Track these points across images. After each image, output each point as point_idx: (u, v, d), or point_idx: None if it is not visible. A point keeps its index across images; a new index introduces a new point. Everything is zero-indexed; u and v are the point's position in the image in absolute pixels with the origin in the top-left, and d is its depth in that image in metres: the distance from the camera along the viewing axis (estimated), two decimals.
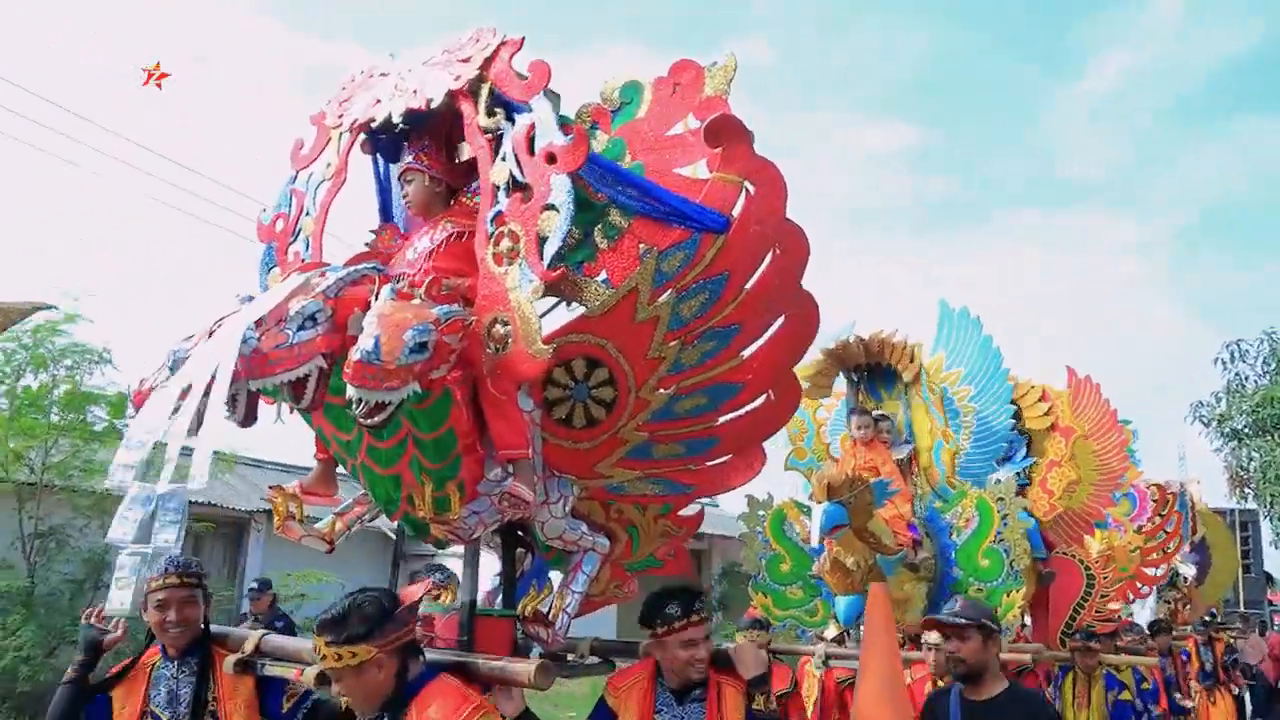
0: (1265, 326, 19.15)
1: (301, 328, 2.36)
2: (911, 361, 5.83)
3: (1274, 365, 14.66)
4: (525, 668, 2.53)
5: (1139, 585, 9.41)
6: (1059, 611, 6.33)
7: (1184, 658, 10.93)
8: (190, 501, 2.49)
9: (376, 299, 2.45)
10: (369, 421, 2.30)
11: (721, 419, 3.07)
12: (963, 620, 3.40)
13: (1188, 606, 11.75)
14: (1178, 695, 9.29)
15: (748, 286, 2.95)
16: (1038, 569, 6.20)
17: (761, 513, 5.74)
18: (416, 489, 2.60)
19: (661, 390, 2.96)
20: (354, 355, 2.27)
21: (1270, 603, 23.95)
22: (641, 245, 2.89)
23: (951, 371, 6.14)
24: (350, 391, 2.28)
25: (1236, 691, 13.05)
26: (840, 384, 6.24)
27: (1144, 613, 11.11)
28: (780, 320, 3.02)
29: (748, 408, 3.06)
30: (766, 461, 3.15)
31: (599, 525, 3.22)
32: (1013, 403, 6.65)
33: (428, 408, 2.53)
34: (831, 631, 5.58)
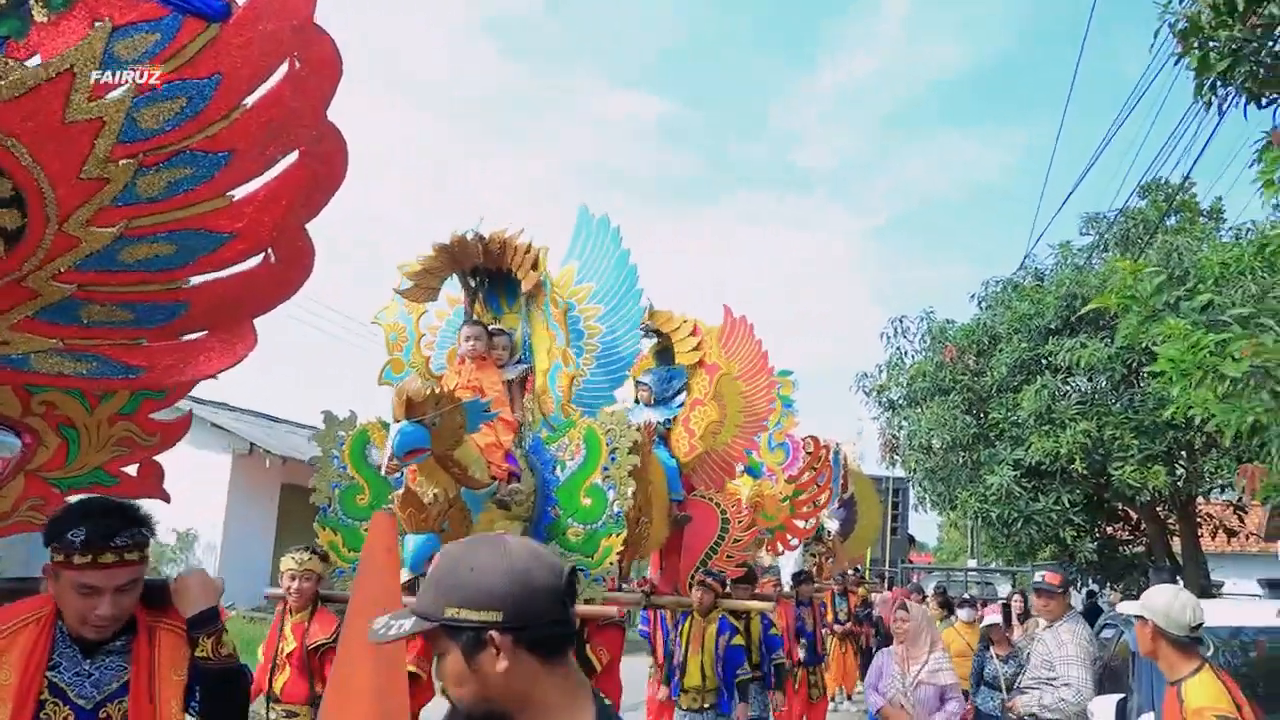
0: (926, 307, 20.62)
1: None
2: (534, 269, 5.03)
3: (929, 343, 15.74)
4: None
5: (789, 537, 9.60)
6: (691, 556, 6.06)
7: (822, 609, 11.52)
8: None
9: None
10: None
11: (195, 279, 2.26)
12: (419, 622, 1.52)
13: (830, 560, 12.36)
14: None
15: (248, 103, 2.17)
16: (673, 512, 5.90)
17: (341, 433, 4.88)
18: None
19: (101, 227, 2.10)
20: None
21: (910, 562, 26.63)
22: (96, 21, 2.04)
23: (582, 286, 5.37)
24: None
25: (865, 644, 14.10)
26: (457, 291, 5.39)
27: (789, 565, 11.57)
28: (293, 156, 2.26)
29: (236, 269, 2.28)
30: (256, 345, 2.36)
31: (8, 419, 2.32)
32: (662, 334, 6.29)
33: None
34: (403, 577, 4.92)
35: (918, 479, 16.60)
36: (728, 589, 6.16)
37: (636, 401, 6.18)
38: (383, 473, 4.29)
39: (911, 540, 28.10)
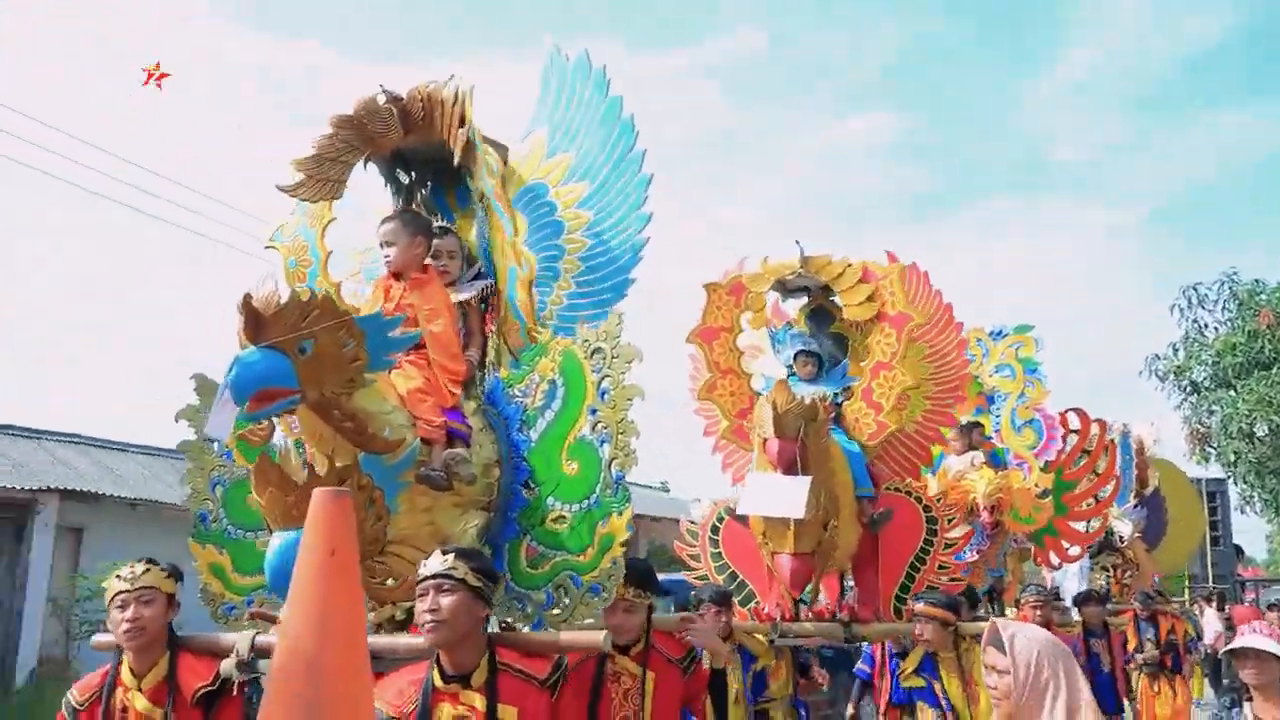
0: (1225, 268, 16.91)
1: None
2: (462, 126, 3.18)
3: (1235, 310, 13.06)
4: None
5: (1064, 544, 7.68)
6: (892, 568, 4.53)
7: (1124, 640, 9.12)
8: None
9: None
10: None
11: None
12: None
13: (1131, 574, 9.87)
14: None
15: None
16: (867, 511, 4.47)
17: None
18: None
19: None
20: None
21: (1238, 576, 22.55)
22: None
23: (556, 159, 3.43)
24: None
25: (1190, 676, 11.38)
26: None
27: (1072, 581, 9.34)
28: None
29: None
30: None
31: None
32: (814, 290, 4.90)
33: None
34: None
35: (1240, 474, 13.88)
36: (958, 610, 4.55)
37: (791, 375, 4.77)
38: (209, 430, 2.61)
39: (1239, 551, 23.83)
